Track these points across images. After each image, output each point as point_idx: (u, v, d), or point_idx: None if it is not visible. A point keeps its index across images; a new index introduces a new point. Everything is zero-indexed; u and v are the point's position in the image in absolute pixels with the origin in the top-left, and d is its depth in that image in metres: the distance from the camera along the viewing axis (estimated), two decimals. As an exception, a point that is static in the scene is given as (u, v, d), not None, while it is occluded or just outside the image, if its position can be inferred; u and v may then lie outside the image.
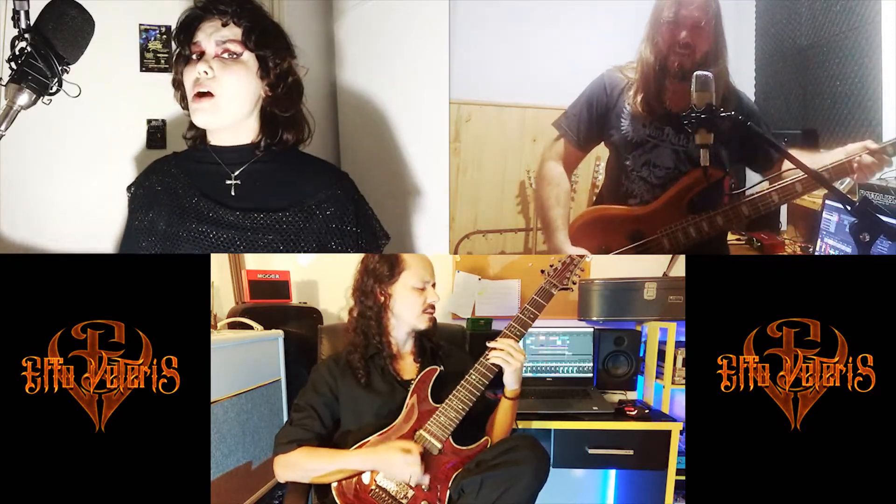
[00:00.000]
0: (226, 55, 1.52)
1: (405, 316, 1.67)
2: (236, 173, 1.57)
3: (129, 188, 1.67)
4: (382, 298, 1.66)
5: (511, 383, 1.63)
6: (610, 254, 1.89)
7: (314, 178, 1.62)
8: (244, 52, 1.53)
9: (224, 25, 1.51)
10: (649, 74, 1.84)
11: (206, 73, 1.50)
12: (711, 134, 1.52)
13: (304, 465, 1.55)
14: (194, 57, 1.53)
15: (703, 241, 1.84)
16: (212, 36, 1.51)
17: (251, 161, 1.58)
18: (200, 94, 1.51)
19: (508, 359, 1.57)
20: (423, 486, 1.51)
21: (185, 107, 1.60)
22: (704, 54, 1.78)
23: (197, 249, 1.53)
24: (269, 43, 1.55)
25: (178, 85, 1.60)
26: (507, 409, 1.66)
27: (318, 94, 2.26)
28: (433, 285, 1.69)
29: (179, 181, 1.59)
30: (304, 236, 1.56)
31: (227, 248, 1.54)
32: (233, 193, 1.57)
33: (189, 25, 1.54)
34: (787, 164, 1.81)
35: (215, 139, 1.60)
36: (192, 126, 1.63)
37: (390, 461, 1.49)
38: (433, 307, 1.68)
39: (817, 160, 1.72)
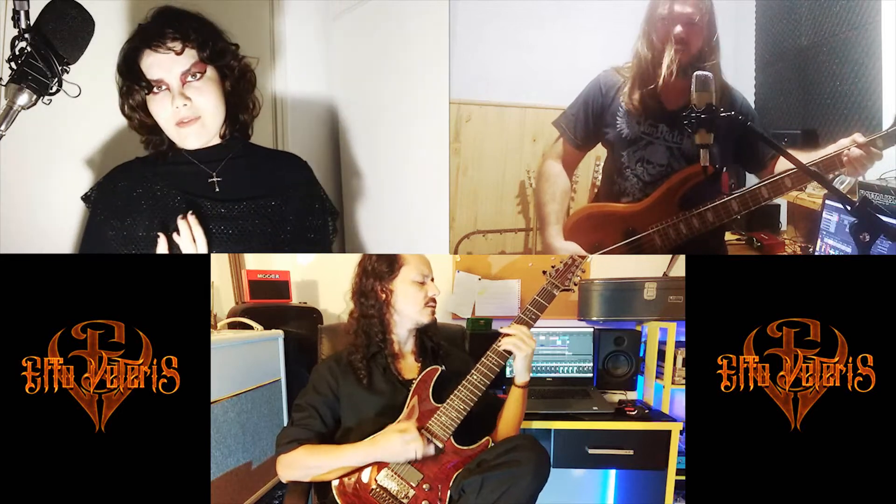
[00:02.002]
0: (190, 78, 1.54)
1: (407, 311, 1.68)
2: (217, 171, 1.63)
3: (86, 196, 1.67)
4: (384, 296, 1.67)
5: (521, 371, 1.63)
6: (601, 251, 1.90)
7: (285, 166, 1.76)
8: (206, 69, 1.56)
9: (179, 54, 1.52)
10: (645, 70, 1.85)
11: (185, 106, 1.54)
12: (711, 134, 1.53)
13: (305, 463, 1.55)
14: (155, 90, 1.54)
15: (695, 238, 1.84)
16: (171, 70, 1.52)
17: (227, 158, 1.65)
18: (185, 122, 1.55)
19: (520, 344, 1.58)
20: (430, 453, 1.51)
21: (146, 132, 1.63)
22: (699, 50, 1.80)
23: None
24: (222, 52, 1.59)
25: (129, 113, 1.60)
26: (518, 399, 1.66)
27: (318, 94, 2.26)
28: (432, 279, 1.70)
29: (157, 184, 1.62)
30: (287, 217, 1.67)
31: (218, 240, 1.59)
32: (217, 190, 1.62)
33: (132, 58, 1.54)
34: (780, 166, 1.83)
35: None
36: (149, 143, 1.65)
37: (390, 445, 1.50)
38: (434, 300, 1.69)
39: (809, 156, 1.73)
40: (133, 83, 1.55)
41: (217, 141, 1.65)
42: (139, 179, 1.62)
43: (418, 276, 1.67)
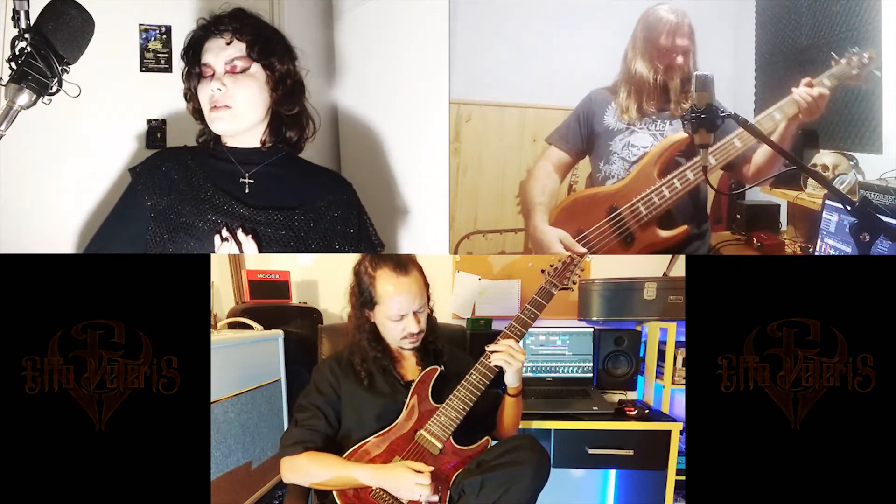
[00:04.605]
0: (234, 68, 1.62)
1: (388, 338, 1.68)
2: (250, 173, 1.66)
3: (134, 169, 1.70)
4: (370, 318, 1.67)
5: (513, 381, 1.65)
6: (586, 232, 1.96)
7: (323, 183, 1.74)
8: (251, 65, 1.63)
9: (228, 44, 1.62)
10: (642, 87, 2.00)
11: (220, 90, 1.60)
12: (711, 134, 1.53)
13: (309, 471, 1.55)
14: (204, 75, 1.63)
15: (679, 202, 1.91)
16: (219, 56, 1.62)
17: (263, 163, 1.68)
18: (217, 107, 1.61)
19: (510, 360, 1.58)
20: (434, 501, 1.49)
21: (198, 118, 1.71)
22: (689, 73, 1.96)
23: (211, 239, 1.59)
24: (271, 51, 1.65)
25: (189, 98, 1.70)
26: (513, 406, 1.69)
27: (319, 94, 2.26)
28: (417, 312, 1.63)
29: (195, 173, 1.66)
30: (312, 235, 1.66)
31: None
32: (247, 191, 1.65)
33: (196, 44, 1.65)
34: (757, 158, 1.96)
35: (229, 140, 1.70)
36: (202, 133, 1.73)
37: (400, 480, 1.48)
38: (413, 335, 1.64)
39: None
40: (190, 67, 1.66)
41: (257, 144, 1.69)
42: (182, 164, 1.68)
43: (394, 315, 1.62)
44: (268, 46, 1.64)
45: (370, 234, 1.79)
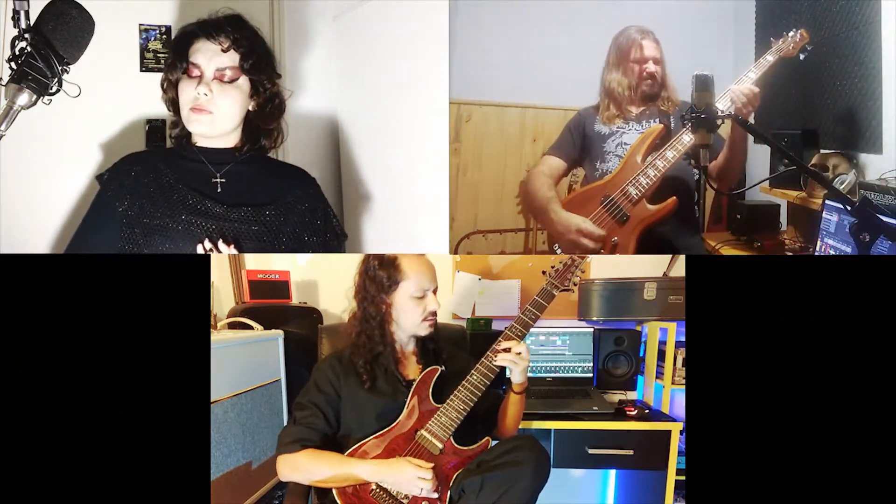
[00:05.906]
0: (223, 78, 1.64)
1: (405, 324, 1.66)
2: (221, 172, 1.69)
3: (101, 176, 1.71)
4: (383, 307, 1.65)
5: (518, 378, 1.65)
6: (586, 220, 2.02)
7: (291, 179, 1.80)
8: (240, 77, 1.66)
9: (224, 51, 1.63)
10: (621, 98, 2.15)
11: (206, 95, 1.62)
12: (711, 134, 1.53)
13: (308, 468, 1.54)
14: (190, 73, 1.64)
15: (665, 182, 1.99)
16: (211, 60, 1.63)
17: (233, 163, 1.71)
18: (199, 109, 1.63)
19: (516, 359, 1.59)
20: (434, 497, 1.49)
21: (171, 108, 1.72)
22: (662, 79, 2.15)
23: (188, 239, 1.61)
24: (262, 70, 1.69)
25: (167, 88, 1.70)
26: (517, 403, 1.69)
27: (318, 94, 2.26)
28: (434, 291, 1.67)
29: (166, 175, 1.67)
30: (284, 229, 1.71)
31: (212, 238, 1.63)
32: (219, 190, 1.68)
33: (187, 40, 1.65)
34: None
35: (201, 141, 1.71)
36: (175, 125, 1.75)
37: (402, 474, 1.48)
38: (434, 314, 1.67)
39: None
40: (176, 60, 1.65)
41: (228, 145, 1.72)
42: (151, 167, 1.68)
43: (418, 291, 1.63)
44: (260, 63, 1.67)
45: (334, 226, 1.84)
